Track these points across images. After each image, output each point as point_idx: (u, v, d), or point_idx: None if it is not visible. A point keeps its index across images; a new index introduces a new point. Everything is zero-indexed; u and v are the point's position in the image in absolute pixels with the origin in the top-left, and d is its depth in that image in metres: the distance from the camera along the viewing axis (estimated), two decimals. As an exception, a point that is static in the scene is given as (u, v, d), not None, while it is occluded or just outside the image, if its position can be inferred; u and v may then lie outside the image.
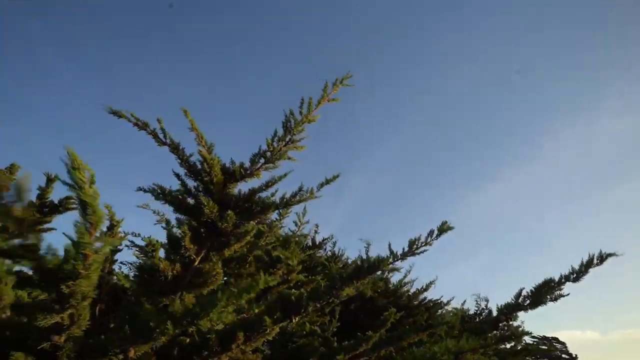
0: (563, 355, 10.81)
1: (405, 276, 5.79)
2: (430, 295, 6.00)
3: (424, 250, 2.76)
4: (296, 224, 4.45)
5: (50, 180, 2.60)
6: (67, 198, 2.64)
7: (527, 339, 6.29)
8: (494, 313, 3.90)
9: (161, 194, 2.13)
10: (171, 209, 2.42)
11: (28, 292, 1.83)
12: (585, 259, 2.78)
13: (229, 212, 1.99)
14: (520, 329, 4.04)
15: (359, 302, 5.17)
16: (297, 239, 4.38)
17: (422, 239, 2.65)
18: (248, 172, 2.07)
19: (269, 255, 3.62)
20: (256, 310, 2.27)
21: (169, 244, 2.18)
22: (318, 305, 2.63)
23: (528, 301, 3.15)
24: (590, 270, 2.79)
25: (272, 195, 2.15)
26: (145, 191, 2.17)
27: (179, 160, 2.07)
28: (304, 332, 3.79)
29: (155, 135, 1.96)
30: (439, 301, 5.93)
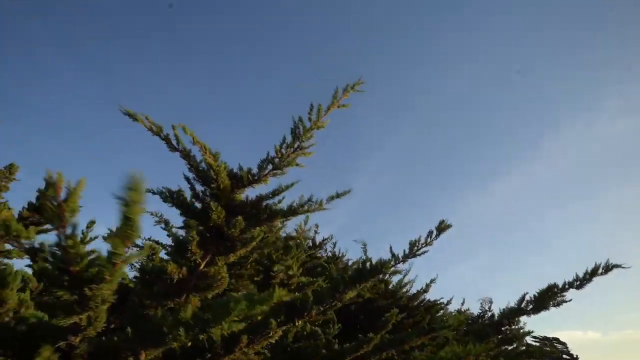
0: (564, 356, 11.03)
1: (404, 276, 5.88)
2: (431, 295, 6.09)
3: (425, 251, 2.86)
4: (297, 232, 4.53)
5: (49, 184, 2.68)
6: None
7: (528, 339, 6.44)
8: (497, 315, 4.02)
9: (169, 197, 2.20)
10: (171, 209, 2.50)
11: (44, 292, 1.92)
12: (590, 266, 2.89)
13: (237, 218, 2.07)
14: (522, 330, 4.16)
15: (359, 303, 5.27)
16: (297, 240, 4.47)
17: (422, 240, 2.75)
18: (255, 177, 2.14)
19: (270, 258, 3.71)
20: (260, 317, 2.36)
21: (175, 248, 2.26)
22: (322, 309, 2.74)
23: (531, 306, 3.26)
24: (595, 279, 2.90)
25: (279, 202, 2.23)
26: (153, 193, 2.24)
27: (189, 166, 2.14)
28: (305, 333, 3.88)
29: (168, 141, 2.03)
30: (439, 302, 6.03)
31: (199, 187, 2.21)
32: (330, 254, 6.06)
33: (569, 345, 11.36)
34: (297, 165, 2.17)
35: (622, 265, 2.92)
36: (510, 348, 4.71)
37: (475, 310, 6.76)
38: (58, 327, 1.46)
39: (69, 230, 1.31)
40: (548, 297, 3.08)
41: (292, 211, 2.13)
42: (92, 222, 2.87)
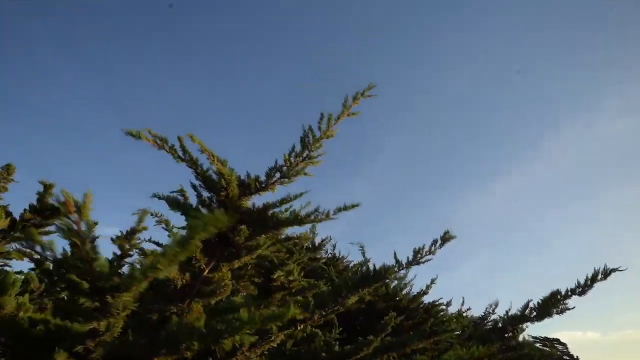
0: (565, 357, 11.22)
1: (404, 276, 5.97)
2: (431, 295, 6.19)
3: (428, 260, 2.95)
4: (296, 240, 4.58)
5: (46, 187, 2.77)
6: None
7: (529, 340, 6.57)
8: (500, 320, 4.13)
9: (176, 203, 2.26)
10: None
11: (68, 299, 1.99)
12: (590, 271, 3.00)
13: (243, 226, 2.13)
14: (526, 338, 4.26)
15: (358, 304, 5.36)
16: (297, 241, 4.53)
17: (426, 248, 2.83)
18: (263, 185, 2.20)
19: (271, 262, 3.78)
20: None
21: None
22: (324, 314, 2.82)
23: (534, 313, 3.37)
24: (595, 284, 3.02)
25: (286, 210, 2.29)
26: (160, 198, 2.30)
27: (196, 174, 2.20)
28: (305, 335, 3.97)
29: (174, 153, 2.08)
30: (439, 303, 6.13)
31: (205, 194, 2.28)
32: (330, 255, 6.15)
33: (569, 345, 11.54)
34: (305, 174, 2.23)
35: (620, 269, 3.04)
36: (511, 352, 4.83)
37: (475, 310, 6.86)
38: (76, 331, 1.53)
39: (88, 246, 1.36)
40: (551, 304, 3.19)
41: (298, 220, 2.19)
42: (95, 223, 2.92)
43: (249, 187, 2.19)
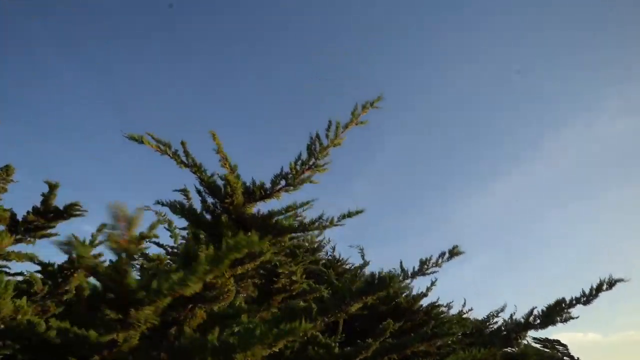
0: (565, 358, 11.38)
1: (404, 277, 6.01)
2: (431, 296, 6.23)
3: (434, 271, 3.01)
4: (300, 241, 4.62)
5: (51, 187, 2.78)
6: (72, 205, 2.81)
7: (529, 340, 6.65)
8: (503, 325, 4.20)
9: (179, 209, 2.30)
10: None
11: (48, 294, 2.03)
12: (594, 279, 3.07)
13: (248, 234, 2.17)
14: (529, 346, 4.33)
15: (359, 308, 5.40)
16: (300, 241, 4.58)
17: (433, 260, 2.89)
18: (268, 192, 2.24)
19: (273, 265, 3.83)
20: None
21: (184, 259, 2.37)
22: (326, 320, 2.87)
23: (538, 321, 3.44)
24: (601, 294, 3.08)
25: (290, 217, 2.33)
26: (163, 204, 2.33)
27: (200, 180, 2.23)
28: (305, 338, 4.03)
29: (177, 158, 2.11)
30: (439, 305, 6.19)
31: (210, 200, 2.31)
32: (330, 257, 6.19)
33: (569, 346, 11.67)
34: (311, 182, 2.27)
35: (624, 279, 3.13)
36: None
37: (477, 310, 6.91)
38: (95, 341, 1.56)
39: (126, 260, 1.37)
40: (556, 313, 3.26)
41: (303, 228, 2.23)
42: (104, 225, 2.93)
43: (253, 194, 2.23)
